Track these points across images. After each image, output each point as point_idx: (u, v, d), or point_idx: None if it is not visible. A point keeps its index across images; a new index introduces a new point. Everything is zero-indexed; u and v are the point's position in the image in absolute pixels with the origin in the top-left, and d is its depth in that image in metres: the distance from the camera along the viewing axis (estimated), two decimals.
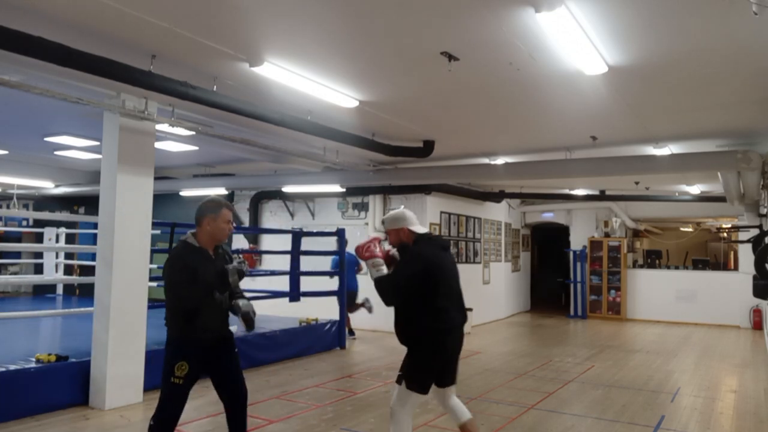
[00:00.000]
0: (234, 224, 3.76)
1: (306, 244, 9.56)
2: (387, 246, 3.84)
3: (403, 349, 3.72)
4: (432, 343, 3.58)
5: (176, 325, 3.56)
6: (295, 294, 8.65)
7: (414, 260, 3.65)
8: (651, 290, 14.18)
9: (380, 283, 3.58)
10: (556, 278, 16.78)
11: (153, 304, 6.53)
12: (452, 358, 3.71)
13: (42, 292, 13.91)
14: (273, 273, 9.36)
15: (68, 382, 5.63)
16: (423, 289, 3.57)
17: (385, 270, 3.63)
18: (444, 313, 3.61)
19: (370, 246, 3.70)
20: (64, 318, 9.22)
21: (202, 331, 3.52)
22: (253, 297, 8.67)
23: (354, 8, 3.82)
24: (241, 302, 3.62)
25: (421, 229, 3.84)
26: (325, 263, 9.76)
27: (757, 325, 12.70)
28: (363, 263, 3.71)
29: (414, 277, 3.57)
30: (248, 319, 3.59)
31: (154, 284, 7.19)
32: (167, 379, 3.49)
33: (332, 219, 12.04)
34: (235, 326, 8.34)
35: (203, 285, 3.45)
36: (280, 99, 5.85)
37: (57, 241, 11.97)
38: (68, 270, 12.98)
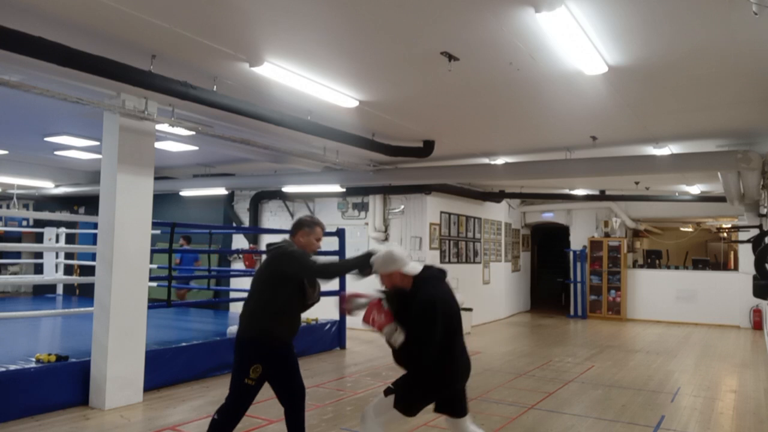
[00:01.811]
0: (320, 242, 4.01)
1: None
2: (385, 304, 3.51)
3: None
4: (438, 381, 3.41)
5: (262, 325, 3.67)
6: None
7: (430, 311, 3.29)
8: (651, 290, 14.18)
9: (403, 349, 3.36)
10: (556, 278, 16.78)
11: (153, 304, 6.54)
12: (458, 392, 3.54)
13: (42, 292, 13.91)
14: None
15: (68, 382, 5.64)
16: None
17: (400, 336, 3.32)
18: (457, 356, 3.44)
19: (372, 317, 3.38)
20: (64, 318, 9.22)
21: (283, 334, 3.71)
22: None
23: (354, 8, 3.82)
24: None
25: (415, 267, 3.48)
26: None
27: (757, 325, 12.70)
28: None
29: (439, 328, 3.28)
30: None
31: (154, 284, 7.21)
32: (240, 380, 3.62)
33: (332, 219, 12.03)
34: (235, 326, 8.32)
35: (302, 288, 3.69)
36: (280, 99, 5.85)
37: (57, 241, 11.97)
38: (68, 270, 12.99)
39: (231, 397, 3.66)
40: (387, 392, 3.47)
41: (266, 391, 3.88)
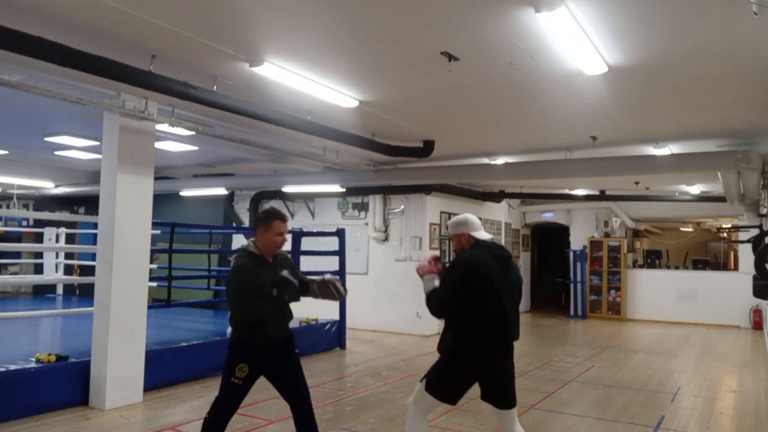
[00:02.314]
0: (285, 235, 3.81)
1: (306, 244, 9.57)
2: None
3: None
4: (465, 358, 3.38)
5: (240, 329, 3.67)
6: None
7: (454, 267, 3.45)
8: (651, 290, 14.17)
9: (428, 298, 3.47)
10: (556, 278, 16.77)
11: (153, 304, 6.54)
12: (498, 378, 3.48)
13: (42, 292, 13.91)
14: None
15: (68, 382, 5.64)
16: (463, 297, 3.34)
17: (436, 283, 3.47)
18: (485, 329, 3.35)
19: (425, 264, 3.59)
20: (64, 318, 9.22)
21: (263, 336, 3.64)
22: None
23: (354, 8, 3.82)
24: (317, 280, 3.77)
25: (483, 235, 3.60)
26: (326, 263, 9.74)
27: (757, 325, 12.70)
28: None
29: (455, 285, 3.36)
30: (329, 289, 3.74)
31: (154, 284, 7.21)
32: (227, 379, 3.64)
33: (332, 219, 12.04)
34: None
35: (262, 291, 3.58)
36: (280, 99, 5.85)
37: (57, 241, 11.96)
38: (68, 270, 12.98)
39: (220, 396, 3.69)
40: (422, 378, 3.52)
41: (266, 391, 3.89)
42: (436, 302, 3.43)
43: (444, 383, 3.44)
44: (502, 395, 3.52)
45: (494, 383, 3.48)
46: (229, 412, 3.70)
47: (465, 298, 3.34)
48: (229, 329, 3.87)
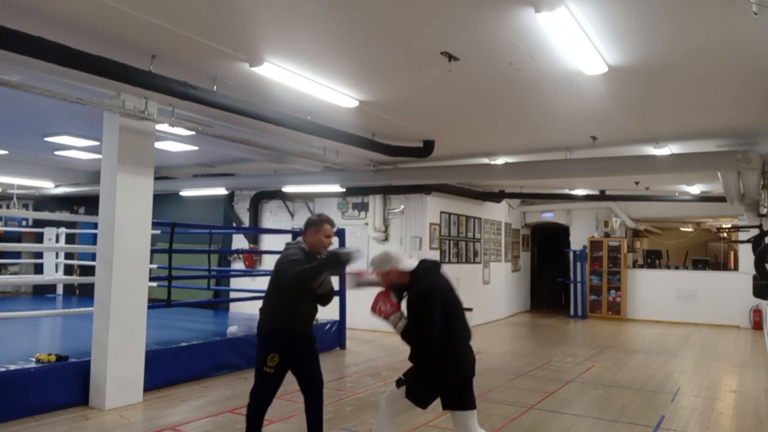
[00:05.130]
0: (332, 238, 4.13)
1: None
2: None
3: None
4: (445, 365, 3.55)
5: (275, 320, 3.97)
6: None
7: (426, 299, 3.52)
8: (651, 290, 14.18)
9: (407, 336, 3.56)
10: (556, 278, 16.77)
11: (153, 304, 6.54)
12: (467, 382, 3.64)
13: (42, 292, 13.91)
14: None
15: (68, 382, 5.64)
16: (442, 316, 3.57)
17: (403, 322, 3.59)
18: (459, 341, 3.59)
19: (379, 306, 3.66)
20: (64, 318, 9.22)
21: (292, 328, 3.98)
22: (254, 297, 8.69)
23: (354, 8, 3.82)
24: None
25: (410, 264, 3.68)
26: None
27: (757, 325, 12.70)
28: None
29: (438, 315, 3.49)
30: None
31: (154, 284, 7.21)
32: (260, 368, 3.95)
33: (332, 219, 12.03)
34: (235, 326, 8.27)
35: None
36: (280, 99, 5.85)
37: (57, 241, 11.96)
38: (68, 270, 12.98)
39: (255, 386, 4.00)
40: (399, 383, 3.62)
41: None
42: (424, 339, 3.47)
43: (425, 391, 3.57)
44: (467, 398, 3.63)
45: (462, 388, 3.62)
46: (264, 399, 3.97)
47: (443, 317, 3.55)
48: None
